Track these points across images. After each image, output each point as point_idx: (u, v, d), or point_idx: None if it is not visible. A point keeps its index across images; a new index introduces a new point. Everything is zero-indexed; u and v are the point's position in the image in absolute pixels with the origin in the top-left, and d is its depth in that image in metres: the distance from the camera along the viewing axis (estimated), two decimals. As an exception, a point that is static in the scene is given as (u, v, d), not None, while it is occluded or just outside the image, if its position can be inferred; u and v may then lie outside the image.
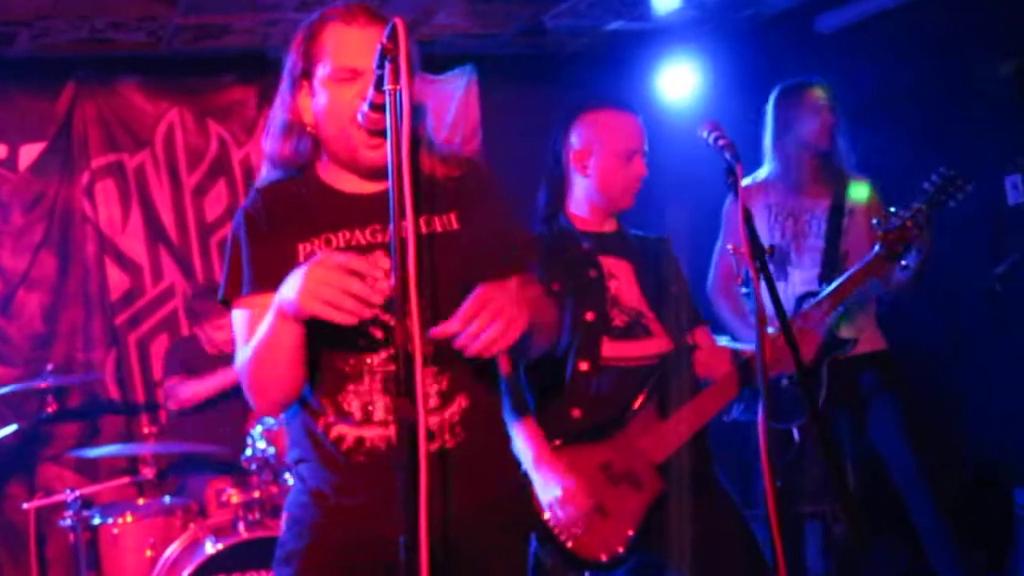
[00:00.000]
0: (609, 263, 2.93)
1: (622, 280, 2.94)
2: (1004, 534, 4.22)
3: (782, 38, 5.35)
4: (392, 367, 1.96)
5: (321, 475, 2.09)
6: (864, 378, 3.89)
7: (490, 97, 5.87)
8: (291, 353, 1.95)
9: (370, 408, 2.04)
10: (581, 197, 2.98)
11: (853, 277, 3.21)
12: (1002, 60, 4.32)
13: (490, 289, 1.84)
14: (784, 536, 2.29)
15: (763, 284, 2.41)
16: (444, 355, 1.97)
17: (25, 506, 4.50)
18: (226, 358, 4.42)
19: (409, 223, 1.71)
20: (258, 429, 4.09)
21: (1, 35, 4.86)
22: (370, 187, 2.11)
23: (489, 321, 1.80)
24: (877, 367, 3.92)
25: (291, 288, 1.84)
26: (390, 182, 1.74)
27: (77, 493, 4.17)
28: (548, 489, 2.72)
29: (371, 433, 2.04)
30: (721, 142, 2.54)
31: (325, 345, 2.00)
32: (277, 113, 2.15)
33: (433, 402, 2.03)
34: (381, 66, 1.78)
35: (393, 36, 1.76)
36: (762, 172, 4.02)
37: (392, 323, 1.81)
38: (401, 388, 1.69)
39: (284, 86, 2.14)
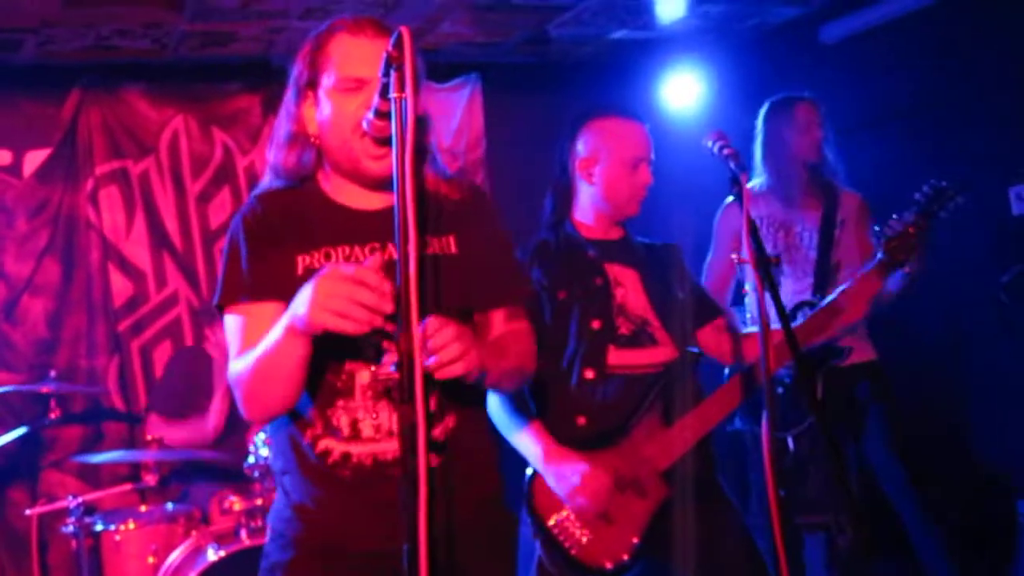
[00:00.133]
0: (615, 271, 2.94)
1: (628, 288, 2.94)
2: (1007, 544, 4.22)
3: (786, 48, 5.36)
4: (384, 382, 1.97)
5: (304, 488, 2.10)
6: (858, 389, 3.92)
7: (494, 105, 5.88)
8: (295, 369, 1.95)
9: (358, 425, 2.05)
10: (587, 205, 2.98)
11: (860, 283, 3.21)
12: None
13: (443, 321, 1.83)
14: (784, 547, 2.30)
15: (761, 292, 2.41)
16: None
17: (27, 512, 4.49)
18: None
19: (411, 225, 1.71)
20: (260, 436, 4.08)
21: (7, 42, 4.88)
22: (373, 202, 2.11)
23: (440, 346, 1.80)
24: (869, 378, 3.96)
25: (301, 304, 1.83)
26: (395, 190, 1.74)
27: (80, 500, 4.16)
28: (565, 479, 2.72)
29: (358, 449, 2.05)
30: (726, 151, 2.55)
31: (319, 359, 2.00)
32: (282, 123, 2.15)
33: None
34: (386, 74, 1.79)
35: (399, 44, 1.76)
36: (753, 184, 4.04)
37: (394, 332, 1.81)
38: (404, 395, 1.70)
39: (289, 96, 2.14)
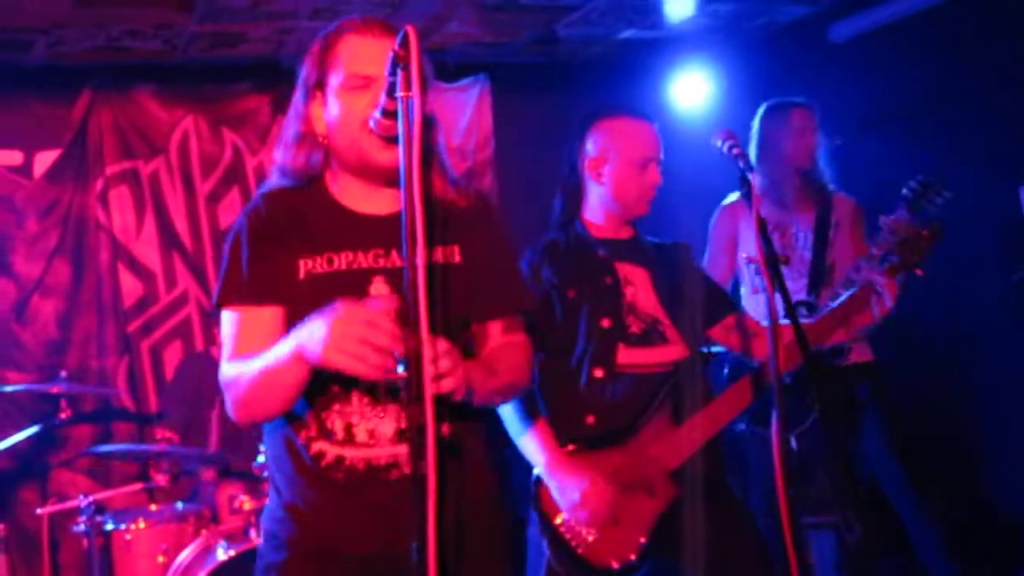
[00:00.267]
0: (625, 270, 2.94)
1: (639, 287, 2.94)
2: (1012, 547, 4.21)
3: (795, 47, 5.34)
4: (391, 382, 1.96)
5: (297, 489, 2.10)
6: (857, 389, 3.93)
7: (503, 105, 5.88)
8: (296, 388, 1.98)
9: (353, 429, 2.05)
10: (596, 204, 2.98)
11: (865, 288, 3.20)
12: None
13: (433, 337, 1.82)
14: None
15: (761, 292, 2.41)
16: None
17: (38, 511, 4.51)
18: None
19: (419, 222, 1.71)
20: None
21: (18, 43, 4.90)
22: (380, 206, 2.11)
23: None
24: (867, 378, 3.98)
25: (315, 339, 1.83)
26: (402, 188, 1.74)
27: (90, 499, 4.17)
28: (566, 493, 2.72)
29: (351, 453, 2.05)
30: (735, 151, 2.55)
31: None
32: (290, 124, 2.16)
33: None
34: (393, 73, 1.79)
35: (405, 43, 1.76)
36: None
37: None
38: (412, 395, 1.71)
39: (298, 96, 2.15)
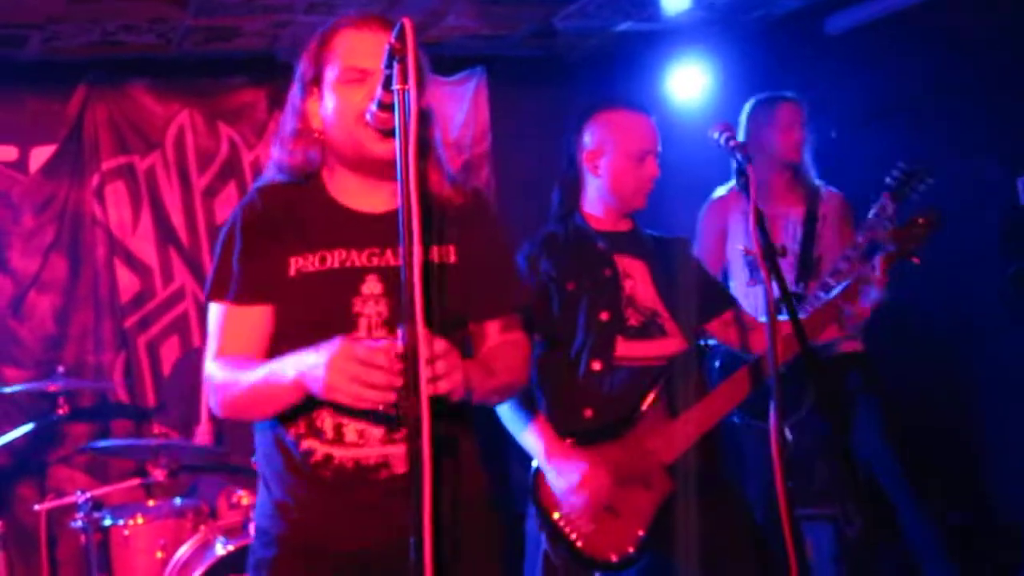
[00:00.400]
0: (624, 262, 2.94)
1: (637, 279, 2.93)
2: (1011, 544, 4.21)
3: (791, 39, 5.33)
4: None
5: (286, 486, 2.11)
6: (847, 379, 3.92)
7: (500, 99, 5.87)
8: (291, 405, 2.00)
9: (342, 429, 2.05)
10: (594, 197, 2.98)
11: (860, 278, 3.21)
12: None
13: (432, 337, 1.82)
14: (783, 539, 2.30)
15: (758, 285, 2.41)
16: None
17: (36, 508, 4.50)
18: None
19: (415, 213, 1.71)
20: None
21: (13, 38, 4.88)
22: (375, 204, 2.11)
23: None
24: (856, 368, 3.97)
25: (315, 374, 1.85)
26: (399, 180, 1.73)
27: (88, 495, 4.17)
28: (564, 477, 2.72)
29: (340, 452, 2.05)
30: (732, 143, 2.55)
31: None
32: (287, 120, 2.15)
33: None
34: (389, 66, 1.78)
35: (401, 36, 1.76)
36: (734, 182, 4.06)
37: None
38: (408, 391, 1.71)
39: (294, 92, 2.15)
